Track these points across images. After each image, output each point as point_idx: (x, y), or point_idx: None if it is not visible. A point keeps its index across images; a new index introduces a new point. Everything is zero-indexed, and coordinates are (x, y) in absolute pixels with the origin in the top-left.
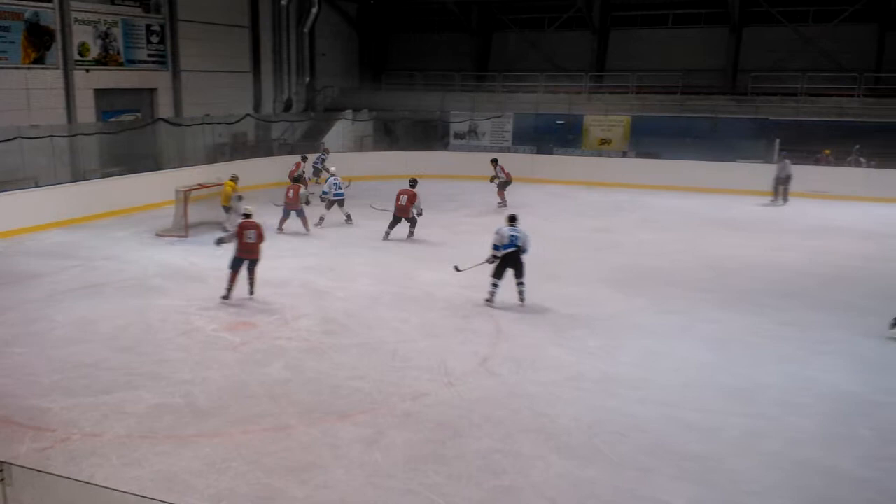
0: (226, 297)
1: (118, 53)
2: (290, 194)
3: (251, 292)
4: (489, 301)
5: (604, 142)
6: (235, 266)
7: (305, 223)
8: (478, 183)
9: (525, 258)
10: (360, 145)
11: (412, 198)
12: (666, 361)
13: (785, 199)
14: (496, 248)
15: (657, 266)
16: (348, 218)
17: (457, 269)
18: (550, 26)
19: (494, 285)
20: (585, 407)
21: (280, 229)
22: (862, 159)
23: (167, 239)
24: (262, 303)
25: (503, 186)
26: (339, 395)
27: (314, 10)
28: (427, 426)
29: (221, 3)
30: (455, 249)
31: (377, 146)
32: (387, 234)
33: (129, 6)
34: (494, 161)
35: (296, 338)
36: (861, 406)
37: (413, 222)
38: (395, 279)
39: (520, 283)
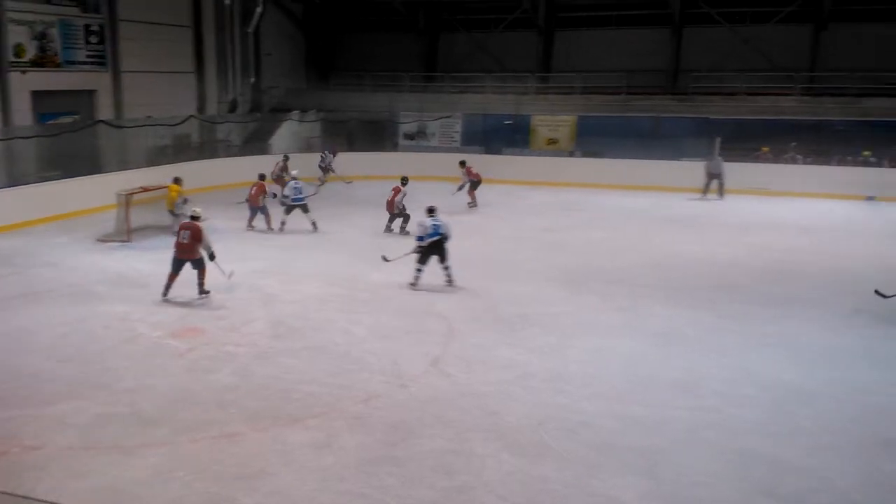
0: (164, 295)
1: (56, 54)
2: (253, 191)
3: (200, 293)
4: (413, 285)
5: (551, 141)
6: (174, 266)
7: (268, 221)
8: (428, 183)
9: (448, 245)
10: (307, 146)
11: (396, 193)
12: (613, 357)
13: (720, 195)
14: (420, 238)
15: (604, 264)
16: (314, 226)
17: (384, 258)
18: (497, 27)
19: (419, 270)
20: (535, 405)
21: (250, 226)
22: (798, 156)
23: (109, 244)
24: (210, 308)
25: (474, 186)
26: (289, 399)
27: (259, 10)
28: (379, 428)
29: (163, 3)
30: (406, 250)
31: (325, 147)
32: (387, 227)
33: (67, 6)
34: (462, 163)
35: (244, 343)
36: (801, 396)
37: (405, 218)
38: (346, 281)
39: (446, 268)
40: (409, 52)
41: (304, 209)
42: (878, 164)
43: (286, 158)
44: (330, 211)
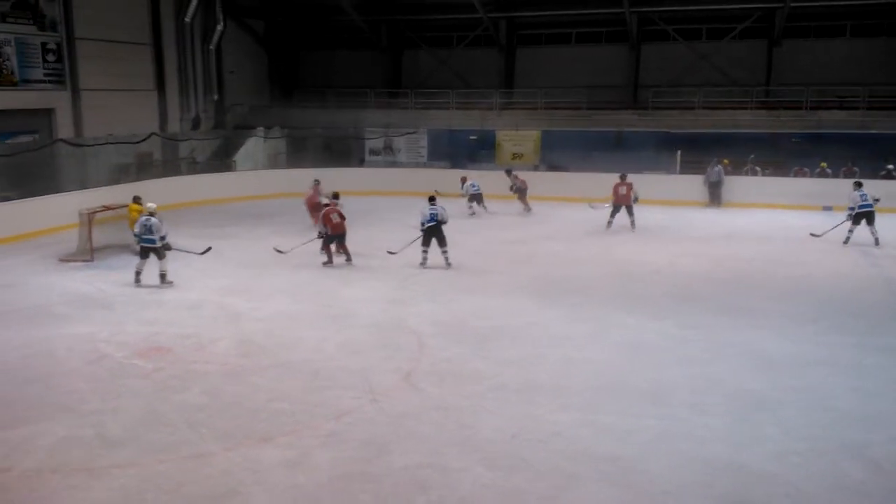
0: (327, 262)
1: (12, 73)
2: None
3: (348, 260)
4: (423, 264)
5: (516, 156)
6: (328, 242)
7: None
8: (395, 199)
9: (446, 230)
10: (273, 162)
11: (628, 188)
12: (581, 368)
13: (719, 204)
14: (422, 224)
15: (570, 275)
16: (163, 278)
17: (390, 252)
18: (459, 44)
19: (424, 252)
20: (508, 417)
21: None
22: (757, 168)
23: (71, 264)
24: (176, 327)
25: (523, 193)
26: (259, 418)
27: (219, 27)
28: (352, 445)
29: (121, 21)
30: (374, 266)
31: (291, 163)
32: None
33: (23, 24)
34: (508, 171)
35: (212, 361)
36: (764, 404)
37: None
38: (314, 297)
39: (444, 251)
40: (373, 68)
41: (158, 254)
42: (835, 175)
43: (318, 182)
44: (296, 227)
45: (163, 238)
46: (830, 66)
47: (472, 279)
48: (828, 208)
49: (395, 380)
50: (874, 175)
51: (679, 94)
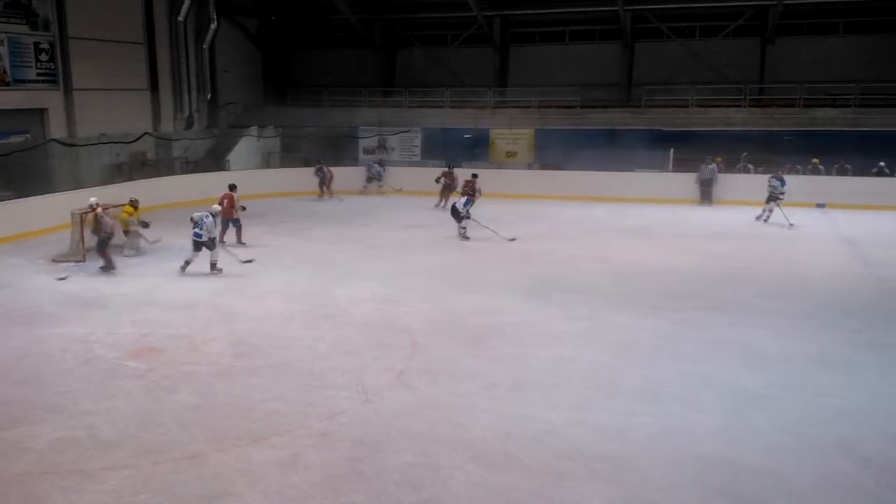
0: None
1: (4, 72)
2: (225, 203)
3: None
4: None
5: (510, 154)
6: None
7: (239, 234)
8: (389, 198)
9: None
10: (267, 162)
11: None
12: (575, 366)
13: (710, 202)
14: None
15: (564, 274)
16: (213, 267)
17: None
18: (453, 43)
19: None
20: (500, 415)
21: (221, 241)
22: (750, 166)
23: (64, 264)
24: (169, 327)
25: (448, 189)
26: (252, 418)
27: (213, 26)
28: (345, 444)
29: (115, 20)
30: (368, 265)
31: (284, 163)
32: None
33: (15, 23)
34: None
35: (205, 362)
36: (757, 400)
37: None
38: (308, 297)
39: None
40: (367, 67)
41: (209, 247)
42: (827, 173)
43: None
44: (289, 226)
45: (210, 234)
46: (823, 64)
47: (466, 278)
48: (821, 205)
49: (388, 379)
50: (866, 172)
51: (672, 91)
